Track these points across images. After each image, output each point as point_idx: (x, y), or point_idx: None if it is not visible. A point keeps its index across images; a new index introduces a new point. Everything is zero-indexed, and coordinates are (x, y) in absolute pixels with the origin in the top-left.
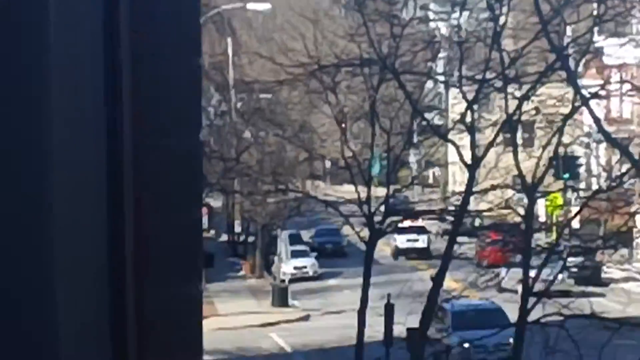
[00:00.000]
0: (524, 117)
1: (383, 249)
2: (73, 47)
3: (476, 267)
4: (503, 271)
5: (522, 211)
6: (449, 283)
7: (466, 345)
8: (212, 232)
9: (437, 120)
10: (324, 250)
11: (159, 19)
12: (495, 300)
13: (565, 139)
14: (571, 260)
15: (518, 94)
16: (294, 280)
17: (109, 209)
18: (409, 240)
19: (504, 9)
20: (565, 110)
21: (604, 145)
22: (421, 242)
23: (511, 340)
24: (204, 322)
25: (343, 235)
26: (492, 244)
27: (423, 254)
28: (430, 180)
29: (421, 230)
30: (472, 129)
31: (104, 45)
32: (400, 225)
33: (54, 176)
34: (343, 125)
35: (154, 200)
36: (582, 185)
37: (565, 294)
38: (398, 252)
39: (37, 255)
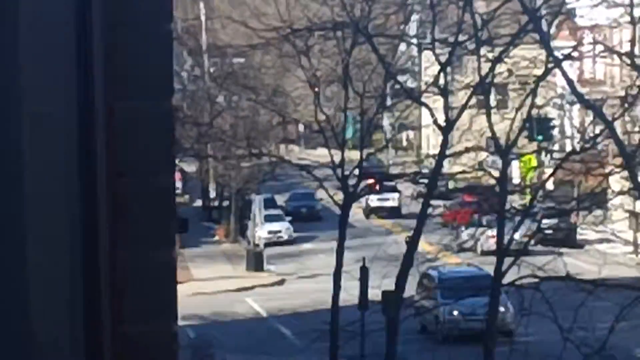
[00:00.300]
0: (497, 80)
1: (357, 212)
2: (45, 14)
3: (442, 228)
4: (464, 232)
5: (496, 173)
6: (423, 246)
7: (455, 313)
8: (186, 197)
9: (411, 83)
10: (299, 214)
11: None
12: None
13: (539, 100)
14: (545, 222)
15: (491, 56)
16: (268, 244)
17: (82, 175)
18: (380, 199)
19: None
20: (538, 72)
21: (577, 106)
22: (392, 201)
23: (502, 308)
24: (179, 287)
25: (317, 199)
26: (458, 206)
27: (394, 212)
28: (404, 144)
29: (392, 189)
30: (445, 92)
31: (75, 11)
32: (368, 182)
33: (26, 140)
34: (316, 89)
35: (127, 165)
36: (556, 146)
37: (525, 253)
38: (370, 211)
39: (12, 222)
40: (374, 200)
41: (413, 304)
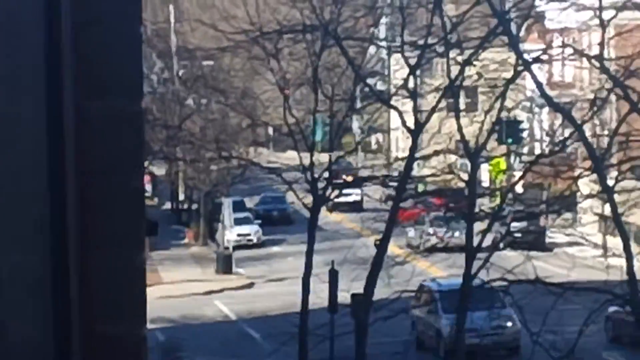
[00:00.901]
0: (466, 82)
1: (327, 215)
2: (13, 15)
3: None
4: (411, 230)
5: (465, 176)
6: (392, 249)
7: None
8: (156, 199)
9: (380, 86)
10: (270, 217)
11: None
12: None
13: (508, 103)
14: (515, 225)
15: (460, 59)
16: (237, 247)
17: (51, 176)
18: (343, 194)
19: None
20: (508, 74)
21: (546, 109)
22: (354, 195)
23: (509, 323)
24: (148, 290)
25: (288, 202)
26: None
27: (356, 206)
28: (374, 146)
29: (354, 182)
30: (414, 95)
31: (44, 12)
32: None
33: None
34: (286, 91)
35: (96, 167)
36: (525, 149)
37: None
38: (333, 206)
39: None
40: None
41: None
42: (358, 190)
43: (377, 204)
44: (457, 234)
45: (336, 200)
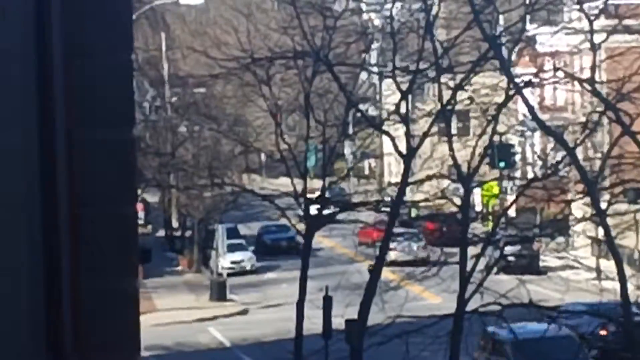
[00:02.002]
0: (458, 107)
1: (320, 241)
2: (5, 45)
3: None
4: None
5: (458, 201)
6: (386, 274)
7: None
8: (149, 227)
9: (372, 112)
10: (279, 247)
11: (90, 15)
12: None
13: (500, 127)
14: (508, 249)
15: (452, 83)
16: (231, 274)
17: (45, 205)
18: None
19: (436, 0)
20: (500, 99)
21: (538, 133)
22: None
23: None
24: (142, 317)
25: (293, 230)
26: (372, 225)
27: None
28: (366, 172)
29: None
30: (406, 120)
31: (35, 41)
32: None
33: None
34: (278, 118)
35: (89, 195)
36: (518, 173)
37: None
38: (308, 217)
39: None
40: (313, 210)
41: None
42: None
43: (351, 215)
44: (414, 247)
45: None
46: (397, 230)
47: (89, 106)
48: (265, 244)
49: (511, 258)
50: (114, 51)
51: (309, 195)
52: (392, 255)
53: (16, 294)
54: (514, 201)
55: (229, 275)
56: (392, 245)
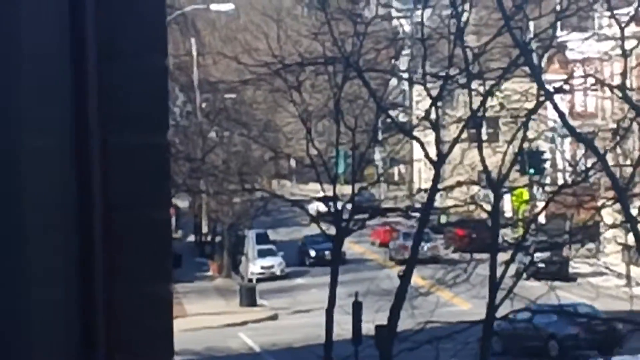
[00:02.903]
0: (488, 113)
1: (350, 247)
2: (41, 48)
3: (370, 245)
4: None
5: (488, 207)
6: (416, 280)
7: None
8: (179, 232)
9: (402, 118)
10: (323, 258)
11: (125, 20)
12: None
13: (530, 134)
14: (538, 255)
15: (482, 89)
16: (261, 279)
17: (79, 210)
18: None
19: (467, 6)
20: (530, 105)
21: (568, 139)
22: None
23: None
24: (173, 322)
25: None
26: (382, 225)
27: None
28: (396, 178)
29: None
30: (436, 126)
31: (70, 46)
32: (317, 196)
33: (23, 174)
34: (308, 123)
35: (123, 201)
36: (548, 180)
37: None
38: (318, 216)
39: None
40: (322, 208)
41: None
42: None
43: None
44: (425, 247)
45: (320, 210)
46: (407, 230)
47: (123, 110)
48: (308, 255)
49: (541, 264)
50: (148, 55)
51: (315, 195)
52: (406, 255)
53: (51, 298)
54: (544, 207)
55: (258, 280)
56: (406, 245)
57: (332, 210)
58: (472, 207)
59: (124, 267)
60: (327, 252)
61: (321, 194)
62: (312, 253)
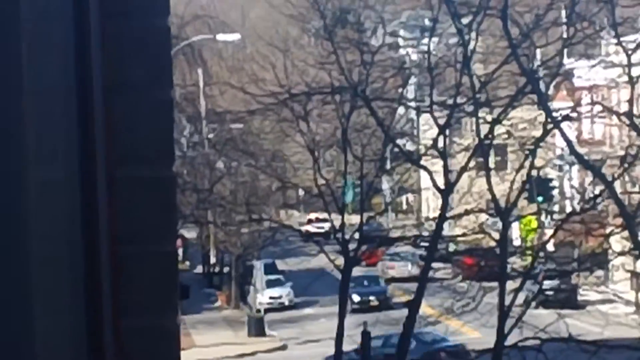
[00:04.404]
0: (496, 141)
1: None
2: (45, 80)
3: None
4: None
5: (496, 235)
6: (424, 309)
7: None
8: (187, 263)
9: (410, 146)
10: (368, 304)
11: (130, 53)
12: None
13: (538, 161)
14: (547, 283)
15: (489, 118)
16: (269, 309)
17: (85, 243)
18: (317, 227)
19: (473, 34)
20: (537, 133)
21: (576, 167)
22: (325, 228)
23: None
24: (181, 354)
25: (383, 282)
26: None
27: (326, 236)
28: (404, 207)
29: (324, 220)
30: (444, 154)
31: (75, 78)
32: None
33: (29, 207)
34: (315, 153)
35: (129, 232)
36: (556, 207)
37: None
38: (307, 236)
39: (16, 294)
40: (313, 228)
41: None
42: (328, 224)
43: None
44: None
45: (311, 230)
46: (396, 250)
47: (129, 143)
48: (351, 300)
49: (550, 292)
50: (153, 87)
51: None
52: (391, 273)
53: (57, 332)
54: (553, 235)
55: (267, 310)
56: (390, 264)
57: (340, 239)
58: (480, 235)
59: (131, 300)
60: (373, 298)
61: (314, 217)
62: (356, 298)
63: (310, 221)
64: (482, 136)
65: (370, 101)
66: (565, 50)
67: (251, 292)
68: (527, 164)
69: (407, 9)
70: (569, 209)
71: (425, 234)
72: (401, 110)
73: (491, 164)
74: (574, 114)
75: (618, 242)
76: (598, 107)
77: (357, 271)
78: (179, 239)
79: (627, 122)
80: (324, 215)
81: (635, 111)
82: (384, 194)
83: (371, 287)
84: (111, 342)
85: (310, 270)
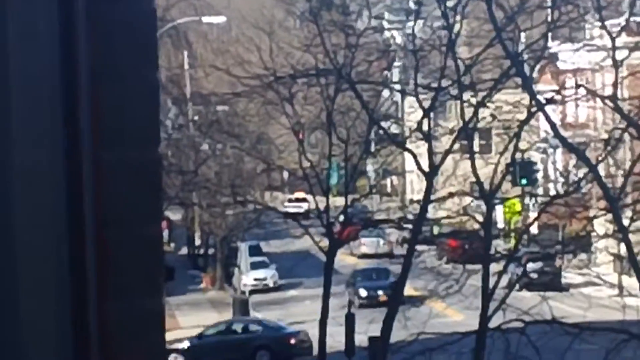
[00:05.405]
0: (480, 124)
1: (343, 259)
2: (31, 64)
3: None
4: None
5: (480, 218)
6: (408, 291)
7: None
8: (172, 245)
9: (394, 129)
10: (377, 299)
11: (116, 35)
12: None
13: (522, 144)
14: (530, 265)
15: (474, 101)
16: (254, 291)
17: (71, 224)
18: (294, 207)
19: (458, 17)
20: (522, 116)
21: (560, 150)
22: (304, 208)
23: None
24: (166, 335)
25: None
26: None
27: (305, 216)
28: (389, 189)
29: (304, 200)
30: (428, 137)
31: (61, 61)
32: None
33: (14, 191)
34: (300, 135)
35: (115, 214)
36: (540, 190)
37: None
38: (287, 216)
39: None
40: (291, 208)
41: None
42: (305, 204)
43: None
44: (381, 242)
45: (290, 211)
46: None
47: (115, 126)
48: (358, 295)
49: (533, 275)
50: (139, 70)
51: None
52: (362, 249)
53: (43, 315)
54: (536, 218)
55: (251, 292)
56: (362, 240)
57: (324, 222)
58: (464, 218)
59: (116, 282)
60: (379, 292)
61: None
62: (363, 293)
63: (290, 201)
64: (466, 119)
65: (355, 84)
66: (550, 34)
67: (236, 274)
68: (511, 147)
69: None
70: (552, 192)
71: (410, 216)
72: (386, 92)
73: (475, 147)
74: (558, 97)
75: (601, 225)
76: (582, 91)
77: (364, 264)
78: (164, 220)
79: (611, 105)
80: (303, 195)
81: (619, 94)
82: (369, 177)
83: (379, 281)
84: (96, 324)
85: (295, 252)
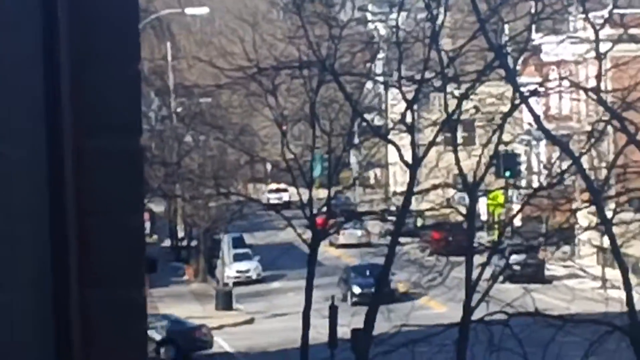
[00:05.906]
0: (463, 116)
1: (327, 251)
2: (11, 53)
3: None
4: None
5: (463, 210)
6: (392, 283)
7: None
8: (155, 237)
9: (377, 121)
10: (370, 297)
11: (97, 25)
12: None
13: (506, 137)
14: (514, 258)
15: (457, 93)
16: (237, 283)
17: (51, 215)
18: (275, 197)
19: (442, 9)
20: (505, 108)
21: (544, 142)
22: (284, 198)
23: None
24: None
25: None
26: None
27: (286, 206)
28: (372, 181)
29: (284, 190)
30: (412, 129)
31: (43, 51)
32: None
33: None
34: (284, 127)
35: (96, 205)
36: (523, 183)
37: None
38: (268, 207)
39: None
40: (272, 199)
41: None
42: (287, 194)
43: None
44: (358, 233)
45: (271, 202)
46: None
47: (96, 116)
48: (351, 292)
49: (517, 267)
50: (121, 60)
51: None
52: (341, 239)
53: (23, 306)
54: (520, 210)
55: (234, 284)
56: (341, 231)
57: (308, 214)
58: (448, 210)
59: (98, 273)
60: (374, 289)
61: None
62: (357, 290)
63: (270, 191)
64: (450, 111)
65: (339, 76)
66: (534, 26)
67: (219, 266)
68: (494, 139)
69: None
70: (536, 184)
71: (393, 208)
72: (369, 84)
73: (459, 139)
74: (542, 90)
75: (585, 217)
76: (566, 83)
77: (346, 257)
78: (147, 212)
79: (595, 97)
80: (284, 185)
81: (602, 87)
82: (352, 169)
83: (374, 278)
84: (77, 314)
85: (278, 244)
